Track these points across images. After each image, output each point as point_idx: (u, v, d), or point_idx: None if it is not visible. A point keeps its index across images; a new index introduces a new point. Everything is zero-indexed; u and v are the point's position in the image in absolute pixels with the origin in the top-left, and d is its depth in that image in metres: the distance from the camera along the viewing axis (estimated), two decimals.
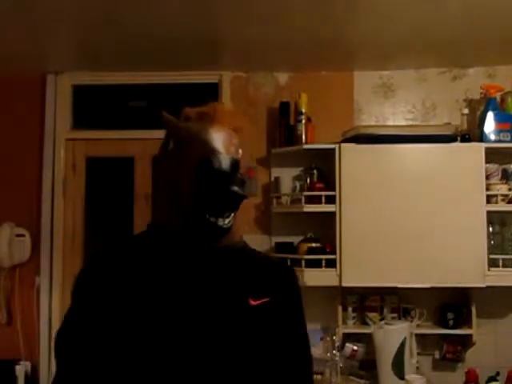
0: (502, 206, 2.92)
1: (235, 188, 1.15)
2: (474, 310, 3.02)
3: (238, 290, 1.22)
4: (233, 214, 1.19)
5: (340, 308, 3.03)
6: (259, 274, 1.27)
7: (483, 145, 2.91)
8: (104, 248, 1.31)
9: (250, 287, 1.23)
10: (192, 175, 1.18)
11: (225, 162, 1.17)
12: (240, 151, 1.24)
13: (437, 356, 3.13)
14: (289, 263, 2.85)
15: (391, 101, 3.34)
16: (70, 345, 1.19)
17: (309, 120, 3.12)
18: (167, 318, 1.17)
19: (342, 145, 2.92)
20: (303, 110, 3.11)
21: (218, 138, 1.20)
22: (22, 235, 3.30)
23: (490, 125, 2.96)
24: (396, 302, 3.12)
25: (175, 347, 1.16)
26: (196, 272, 1.21)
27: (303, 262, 2.89)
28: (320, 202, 2.96)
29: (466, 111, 3.09)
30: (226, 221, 1.18)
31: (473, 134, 3.02)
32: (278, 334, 1.23)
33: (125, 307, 1.17)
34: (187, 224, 1.20)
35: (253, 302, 1.21)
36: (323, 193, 2.97)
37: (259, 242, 3.10)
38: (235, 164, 1.17)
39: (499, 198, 2.91)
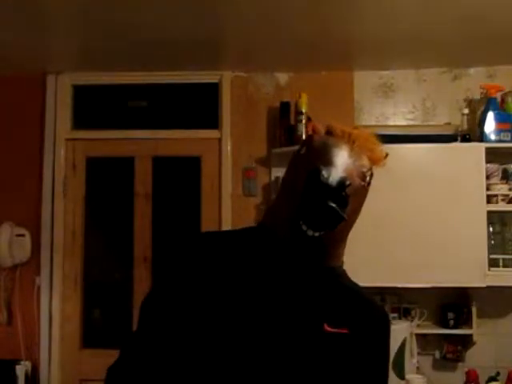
0: (503, 206, 2.92)
1: (333, 204, 1.13)
2: (474, 309, 3.02)
3: (316, 312, 1.20)
4: (326, 231, 1.16)
5: None
6: (344, 303, 1.24)
7: (483, 145, 2.91)
8: (205, 232, 1.36)
9: (329, 313, 1.20)
10: (304, 181, 1.18)
11: (333, 178, 1.14)
12: (367, 179, 1.22)
13: (437, 356, 3.13)
14: None
15: (391, 101, 3.33)
16: (147, 314, 1.24)
17: (309, 120, 3.12)
18: (243, 316, 1.17)
19: None
20: (303, 110, 3.11)
21: (344, 157, 1.19)
22: (22, 235, 3.30)
23: (490, 125, 2.96)
24: (396, 301, 3.12)
25: (241, 349, 1.16)
26: (283, 282, 1.20)
27: None
28: None
29: (466, 111, 3.09)
30: (316, 234, 1.16)
31: (473, 134, 3.02)
32: (349, 370, 1.20)
33: (207, 293, 1.19)
34: (287, 229, 1.19)
35: (328, 329, 1.18)
36: None
37: None
38: (343, 184, 1.14)
39: (499, 197, 2.91)
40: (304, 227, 1.15)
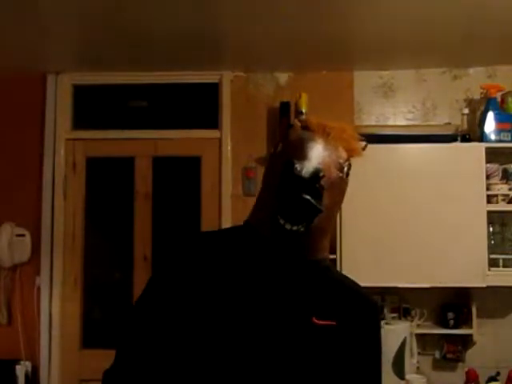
0: (503, 206, 2.92)
1: (307, 197, 1.13)
2: (474, 309, 3.02)
3: (303, 306, 1.21)
4: (304, 224, 1.16)
5: None
6: (332, 295, 1.25)
7: (483, 145, 2.91)
8: (194, 233, 1.36)
9: (317, 306, 1.21)
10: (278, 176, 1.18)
11: (306, 170, 1.14)
12: (345, 171, 1.22)
13: (437, 356, 3.13)
14: None
15: (391, 101, 3.33)
16: (140, 316, 1.25)
17: None
18: (233, 315, 1.18)
19: None
20: (303, 110, 3.11)
21: (319, 150, 1.19)
22: (22, 235, 3.30)
23: (490, 125, 2.96)
24: (396, 301, 3.12)
25: (232, 347, 1.17)
26: (269, 278, 1.21)
27: None
28: None
29: (466, 111, 3.09)
30: (295, 227, 1.15)
31: (473, 134, 3.02)
32: (341, 361, 1.20)
33: (196, 294, 1.20)
34: (268, 225, 1.19)
35: (316, 321, 1.19)
36: None
37: None
38: (317, 175, 1.14)
39: (499, 197, 2.91)
40: (282, 221, 1.15)
